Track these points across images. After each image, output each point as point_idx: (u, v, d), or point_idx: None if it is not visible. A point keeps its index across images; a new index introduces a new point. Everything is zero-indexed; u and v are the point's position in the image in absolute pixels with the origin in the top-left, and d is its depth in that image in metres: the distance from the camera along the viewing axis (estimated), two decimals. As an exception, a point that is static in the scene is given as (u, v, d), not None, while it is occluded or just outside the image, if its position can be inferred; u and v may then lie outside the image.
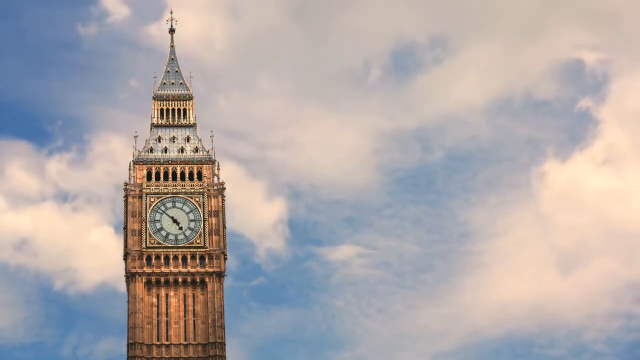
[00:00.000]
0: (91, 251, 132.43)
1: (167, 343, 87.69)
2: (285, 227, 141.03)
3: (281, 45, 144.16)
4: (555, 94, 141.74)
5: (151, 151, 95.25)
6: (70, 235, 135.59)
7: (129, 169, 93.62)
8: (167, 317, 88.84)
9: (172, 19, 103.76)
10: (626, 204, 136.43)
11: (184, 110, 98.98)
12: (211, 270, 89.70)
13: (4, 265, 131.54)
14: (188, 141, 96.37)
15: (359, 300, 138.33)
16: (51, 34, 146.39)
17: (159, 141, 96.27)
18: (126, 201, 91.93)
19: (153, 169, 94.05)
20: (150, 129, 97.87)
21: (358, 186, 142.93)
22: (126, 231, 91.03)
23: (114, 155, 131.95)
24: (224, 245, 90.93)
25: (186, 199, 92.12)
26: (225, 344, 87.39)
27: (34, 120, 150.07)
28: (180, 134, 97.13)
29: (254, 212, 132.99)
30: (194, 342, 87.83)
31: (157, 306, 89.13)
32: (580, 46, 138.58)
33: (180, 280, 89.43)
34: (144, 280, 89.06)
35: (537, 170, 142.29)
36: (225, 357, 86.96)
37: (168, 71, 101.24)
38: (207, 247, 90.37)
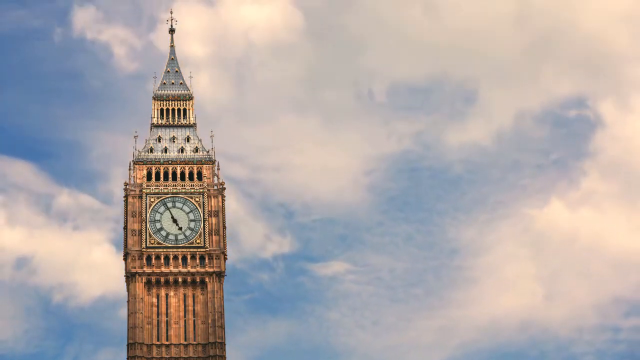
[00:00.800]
0: (91, 268, 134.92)
1: (167, 343, 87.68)
2: (279, 245, 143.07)
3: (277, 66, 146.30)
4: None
5: (151, 151, 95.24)
6: (70, 252, 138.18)
7: (129, 169, 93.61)
8: (167, 317, 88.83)
9: (172, 19, 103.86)
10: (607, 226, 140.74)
11: (184, 110, 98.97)
12: (211, 270, 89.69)
13: (5, 281, 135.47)
14: (188, 141, 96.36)
15: (354, 313, 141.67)
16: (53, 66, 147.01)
17: (159, 141, 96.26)
18: (126, 201, 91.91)
19: (153, 169, 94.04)
20: (150, 129, 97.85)
21: (350, 206, 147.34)
22: (126, 231, 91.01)
23: (114, 176, 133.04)
24: (224, 245, 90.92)
25: (186, 199, 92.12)
26: (225, 344, 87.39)
27: (35, 142, 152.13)
28: (180, 134, 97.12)
29: (247, 229, 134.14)
30: (194, 342, 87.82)
31: (157, 306, 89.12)
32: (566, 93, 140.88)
33: (180, 280, 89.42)
34: (144, 280, 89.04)
35: (524, 190, 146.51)
36: (225, 357, 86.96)
37: (168, 71, 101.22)
38: (207, 247, 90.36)
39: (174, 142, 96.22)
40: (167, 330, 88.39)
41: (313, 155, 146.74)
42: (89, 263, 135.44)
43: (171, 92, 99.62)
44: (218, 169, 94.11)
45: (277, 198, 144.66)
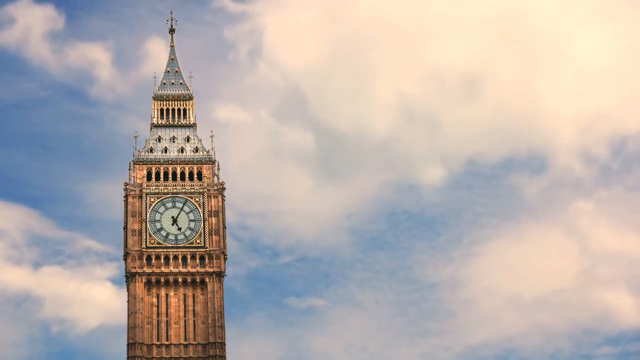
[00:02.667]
0: (91, 302, 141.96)
1: (167, 343, 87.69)
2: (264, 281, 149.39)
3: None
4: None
5: (151, 151, 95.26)
6: (71, 288, 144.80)
7: (129, 169, 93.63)
8: (167, 317, 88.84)
9: (172, 19, 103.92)
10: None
11: (184, 110, 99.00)
12: (211, 270, 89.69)
13: (9, 313, 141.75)
14: (188, 141, 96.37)
15: (343, 340, 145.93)
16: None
17: (159, 141, 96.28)
18: (126, 201, 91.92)
19: (153, 169, 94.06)
20: (150, 129, 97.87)
21: (333, 246, 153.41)
22: (126, 231, 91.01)
23: (114, 216, 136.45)
24: (224, 245, 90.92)
25: (186, 199, 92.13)
26: (225, 344, 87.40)
27: (37, 190, 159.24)
28: (180, 134, 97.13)
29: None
30: (194, 342, 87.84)
31: (157, 306, 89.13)
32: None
33: (180, 280, 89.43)
34: (144, 280, 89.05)
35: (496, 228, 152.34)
36: (225, 357, 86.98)
37: (168, 71, 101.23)
38: (207, 247, 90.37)
39: (174, 142, 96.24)
40: (167, 330, 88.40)
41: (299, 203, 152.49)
42: (89, 297, 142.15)
43: (171, 92, 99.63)
44: (218, 169, 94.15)
45: (264, 241, 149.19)
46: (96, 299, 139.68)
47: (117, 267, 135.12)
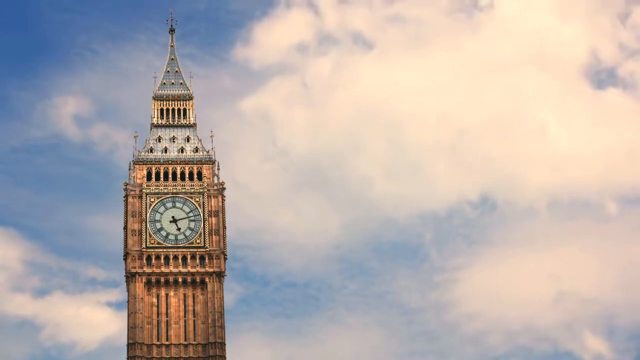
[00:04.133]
0: (91, 325, 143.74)
1: (167, 343, 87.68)
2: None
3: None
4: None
5: (151, 151, 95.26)
6: (71, 313, 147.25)
7: (129, 169, 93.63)
8: (167, 317, 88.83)
9: (172, 19, 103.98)
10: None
11: (184, 110, 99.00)
12: (211, 270, 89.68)
13: (9, 338, 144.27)
14: (188, 141, 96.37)
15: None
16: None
17: (159, 141, 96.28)
18: (126, 201, 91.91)
19: (153, 169, 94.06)
20: (150, 129, 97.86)
21: (321, 274, 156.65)
22: (126, 231, 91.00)
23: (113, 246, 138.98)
24: (224, 245, 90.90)
25: (186, 199, 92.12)
26: (225, 344, 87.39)
27: (34, 220, 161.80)
28: (180, 134, 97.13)
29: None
30: (194, 342, 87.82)
31: (157, 306, 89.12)
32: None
33: (180, 280, 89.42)
34: (144, 280, 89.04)
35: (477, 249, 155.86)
36: (225, 357, 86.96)
37: (168, 71, 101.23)
38: (207, 247, 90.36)
39: (174, 142, 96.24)
40: (167, 330, 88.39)
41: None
42: (88, 320, 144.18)
43: (171, 92, 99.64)
44: (218, 169, 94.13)
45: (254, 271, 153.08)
46: (95, 322, 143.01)
47: (118, 292, 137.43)
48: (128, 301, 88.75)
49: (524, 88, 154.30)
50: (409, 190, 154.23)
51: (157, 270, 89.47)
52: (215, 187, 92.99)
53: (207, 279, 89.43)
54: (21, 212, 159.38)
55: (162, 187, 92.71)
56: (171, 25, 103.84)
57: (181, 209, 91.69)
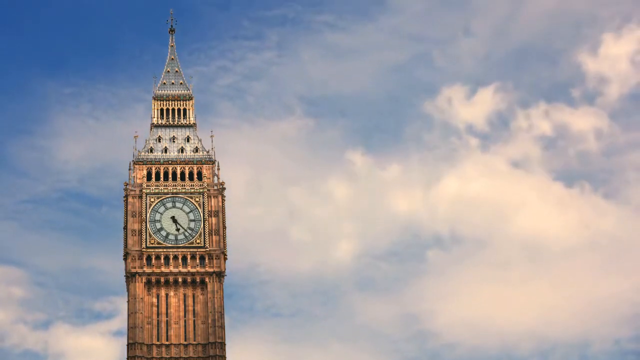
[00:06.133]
0: (92, 352, 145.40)
1: (167, 343, 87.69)
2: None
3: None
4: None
5: (151, 151, 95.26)
6: (71, 343, 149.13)
7: (129, 169, 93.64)
8: (167, 317, 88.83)
9: (172, 19, 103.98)
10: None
11: (184, 110, 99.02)
12: (211, 270, 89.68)
13: None
14: (188, 141, 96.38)
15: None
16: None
17: (159, 141, 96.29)
18: (126, 201, 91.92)
19: (153, 169, 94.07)
20: (150, 129, 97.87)
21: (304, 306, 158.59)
22: (126, 231, 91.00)
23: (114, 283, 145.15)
24: (224, 245, 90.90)
25: (186, 199, 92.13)
26: (225, 344, 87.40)
27: (39, 257, 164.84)
28: (180, 134, 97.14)
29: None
30: (194, 342, 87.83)
31: (157, 306, 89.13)
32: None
33: (180, 280, 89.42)
34: (144, 280, 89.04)
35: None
36: (225, 357, 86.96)
37: (168, 71, 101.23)
38: (207, 247, 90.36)
39: (174, 142, 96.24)
40: (167, 330, 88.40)
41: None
42: (91, 348, 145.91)
43: (171, 92, 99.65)
44: (218, 169, 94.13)
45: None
46: (95, 348, 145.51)
47: (119, 321, 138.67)
48: (128, 301, 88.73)
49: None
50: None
51: (157, 270, 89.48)
52: (215, 187, 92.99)
53: (207, 279, 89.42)
54: (27, 252, 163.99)
55: (162, 187, 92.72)
56: (171, 25, 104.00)
57: (181, 209, 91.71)
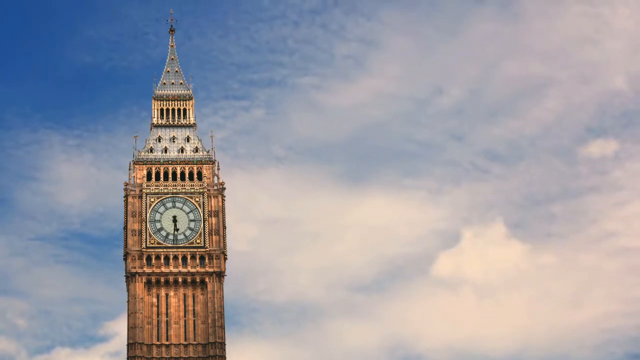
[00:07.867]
0: None
1: (167, 343, 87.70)
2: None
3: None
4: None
5: (151, 151, 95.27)
6: None
7: (129, 169, 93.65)
8: (167, 317, 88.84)
9: (172, 19, 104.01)
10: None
11: (184, 110, 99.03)
12: (211, 270, 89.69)
13: None
14: (188, 141, 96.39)
15: None
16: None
17: (159, 141, 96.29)
18: (126, 201, 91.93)
19: (153, 169, 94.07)
20: (150, 129, 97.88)
21: None
22: (126, 231, 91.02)
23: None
24: (224, 245, 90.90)
25: (186, 199, 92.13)
26: (225, 344, 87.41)
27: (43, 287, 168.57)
28: (180, 134, 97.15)
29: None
30: (194, 342, 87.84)
31: (157, 306, 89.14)
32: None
33: (180, 280, 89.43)
34: (144, 280, 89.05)
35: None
36: (225, 357, 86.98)
37: (168, 71, 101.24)
38: (207, 247, 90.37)
39: (174, 142, 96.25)
40: (167, 330, 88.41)
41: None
42: None
43: (171, 92, 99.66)
44: (218, 169, 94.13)
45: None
46: None
47: (118, 342, 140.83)
48: (128, 301, 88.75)
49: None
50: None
51: (157, 270, 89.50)
52: (215, 187, 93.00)
53: (207, 279, 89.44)
54: (33, 284, 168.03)
55: (162, 187, 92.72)
56: (171, 25, 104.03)
57: (181, 209, 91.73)
